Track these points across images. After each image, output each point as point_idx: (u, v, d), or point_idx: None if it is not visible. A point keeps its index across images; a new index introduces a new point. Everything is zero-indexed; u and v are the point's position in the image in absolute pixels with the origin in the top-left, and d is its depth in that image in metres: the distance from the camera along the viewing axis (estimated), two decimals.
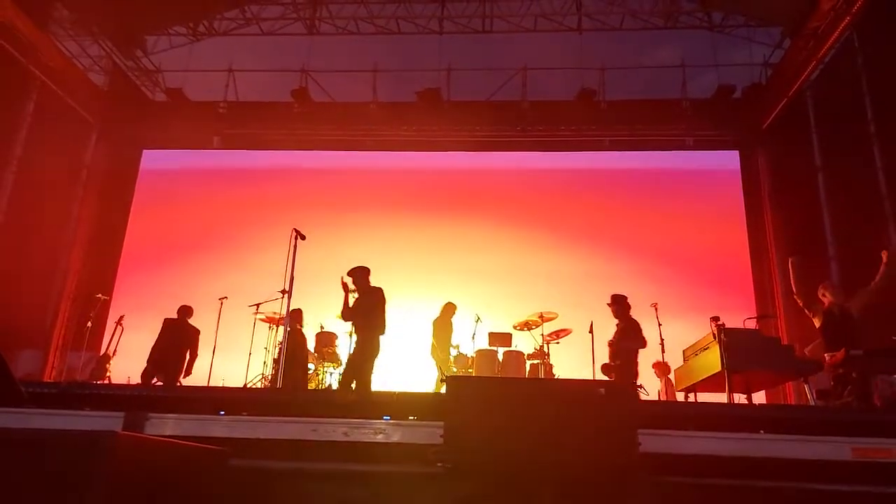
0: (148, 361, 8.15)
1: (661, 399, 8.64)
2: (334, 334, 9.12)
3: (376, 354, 6.52)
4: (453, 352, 8.67)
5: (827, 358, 5.65)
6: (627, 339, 7.26)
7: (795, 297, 6.26)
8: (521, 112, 12.22)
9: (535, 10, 12.19)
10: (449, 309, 9.00)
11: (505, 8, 12.40)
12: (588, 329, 8.27)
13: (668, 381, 8.55)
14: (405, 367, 9.37)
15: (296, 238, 6.70)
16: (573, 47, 12.26)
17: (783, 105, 11.09)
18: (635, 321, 7.40)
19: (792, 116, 10.93)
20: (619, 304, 7.46)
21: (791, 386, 9.39)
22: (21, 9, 9.79)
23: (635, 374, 7.26)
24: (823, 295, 6.09)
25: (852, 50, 9.27)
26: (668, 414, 4.28)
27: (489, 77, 12.22)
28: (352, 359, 6.64)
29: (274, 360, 8.19)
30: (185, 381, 8.41)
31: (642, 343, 7.32)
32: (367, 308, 6.63)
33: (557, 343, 8.51)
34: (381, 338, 6.60)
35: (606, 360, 7.53)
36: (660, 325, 8.00)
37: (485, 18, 12.37)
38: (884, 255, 5.81)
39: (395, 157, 12.59)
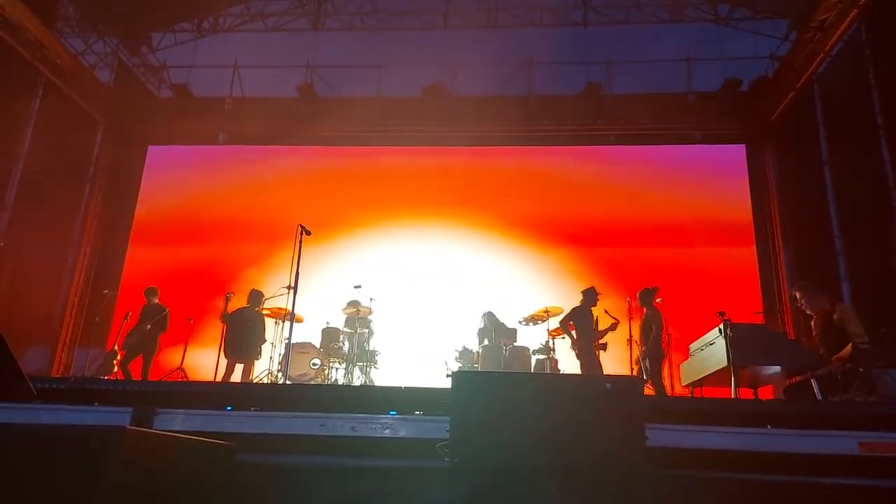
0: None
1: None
2: (339, 330, 9.13)
3: None
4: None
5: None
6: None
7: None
8: (527, 107, 12.16)
9: (541, 3, 12.14)
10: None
11: (510, 2, 12.34)
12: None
13: None
14: (412, 361, 9.39)
15: (301, 234, 6.72)
16: (579, 41, 12.22)
17: (790, 98, 11.00)
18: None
19: (799, 110, 10.85)
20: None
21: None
22: (29, 7, 9.81)
23: None
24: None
25: (860, 43, 9.19)
26: (674, 409, 4.28)
27: (495, 72, 12.18)
28: None
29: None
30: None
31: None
32: None
33: (563, 338, 8.49)
34: None
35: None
36: (665, 319, 7.98)
37: (490, 12, 12.32)
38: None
39: (400, 153, 12.58)
